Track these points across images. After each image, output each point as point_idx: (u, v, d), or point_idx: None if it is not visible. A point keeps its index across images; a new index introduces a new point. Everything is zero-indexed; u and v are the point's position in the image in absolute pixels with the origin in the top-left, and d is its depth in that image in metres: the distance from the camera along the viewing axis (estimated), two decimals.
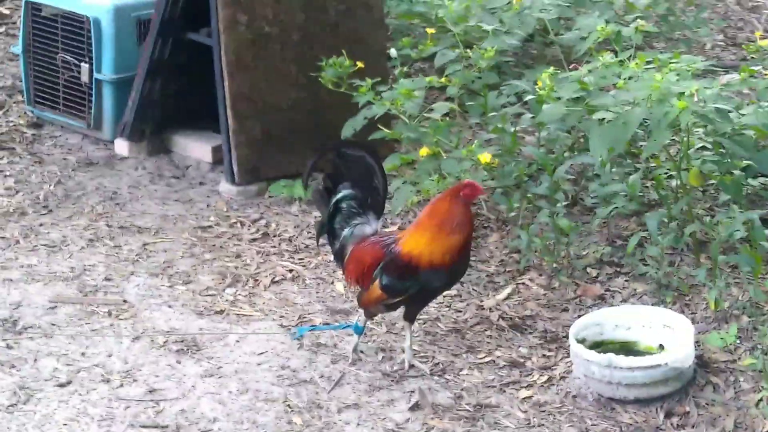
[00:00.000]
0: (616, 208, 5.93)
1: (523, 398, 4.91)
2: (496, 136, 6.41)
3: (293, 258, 5.98)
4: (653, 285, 5.66)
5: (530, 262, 5.87)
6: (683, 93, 5.20)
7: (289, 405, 4.79)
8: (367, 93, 6.06)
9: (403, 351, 5.13)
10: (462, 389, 4.95)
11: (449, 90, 6.45)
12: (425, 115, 6.22)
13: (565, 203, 6.21)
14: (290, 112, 6.74)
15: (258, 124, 6.67)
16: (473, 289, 5.76)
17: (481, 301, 5.65)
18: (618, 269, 5.90)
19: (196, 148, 7.13)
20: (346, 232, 5.14)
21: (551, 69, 5.73)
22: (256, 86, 6.63)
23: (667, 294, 5.60)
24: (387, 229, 6.05)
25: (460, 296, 5.70)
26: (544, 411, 4.83)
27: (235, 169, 6.65)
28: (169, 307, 5.51)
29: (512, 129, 6.35)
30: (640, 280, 5.75)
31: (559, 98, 5.75)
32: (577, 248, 5.94)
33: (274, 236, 6.20)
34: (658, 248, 5.67)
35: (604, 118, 5.70)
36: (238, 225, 6.32)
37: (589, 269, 5.90)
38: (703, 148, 6.04)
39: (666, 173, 6.12)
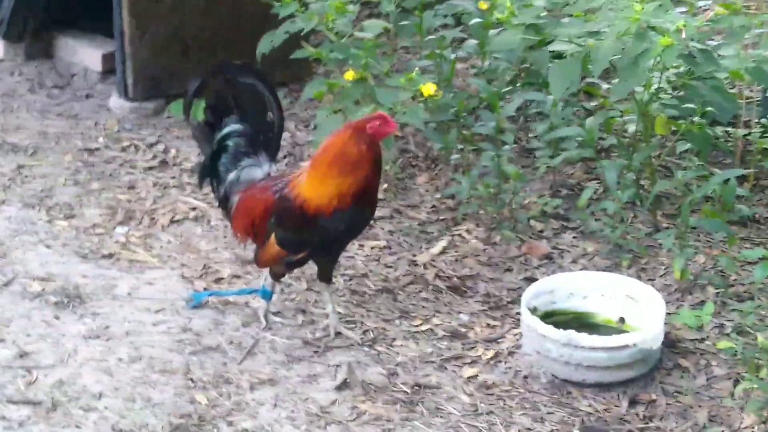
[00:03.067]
0: (565, 154, 5.19)
1: (468, 378, 4.17)
2: (432, 63, 5.62)
3: (196, 193, 5.12)
4: (606, 245, 4.96)
5: (468, 212, 5.12)
6: (668, 28, 4.45)
7: (191, 378, 3.97)
8: (291, 3, 5.17)
9: (327, 316, 4.34)
10: (396, 364, 4.19)
11: (384, 5, 5.60)
12: (356, 33, 5.36)
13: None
14: (201, 15, 5.83)
15: (160, 29, 5.76)
16: (404, 241, 4.99)
17: (414, 256, 4.88)
18: (564, 223, 5.20)
19: (84, 54, 6.20)
20: (231, 176, 4.29)
21: None
22: None
23: (623, 256, 4.90)
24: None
25: (390, 248, 4.93)
26: (491, 394, 4.10)
27: (129, 81, 5.75)
28: (47, 247, 4.62)
29: (452, 56, 5.57)
30: (590, 237, 5.05)
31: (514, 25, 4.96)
32: (519, 197, 5.20)
33: (174, 165, 5.34)
34: (615, 204, 4.95)
35: (565, 51, 4.96)
36: (132, 149, 5.43)
37: (532, 222, 5.17)
38: (660, 89, 5.31)
39: (620, 116, 5.41)
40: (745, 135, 5.46)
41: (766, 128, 5.55)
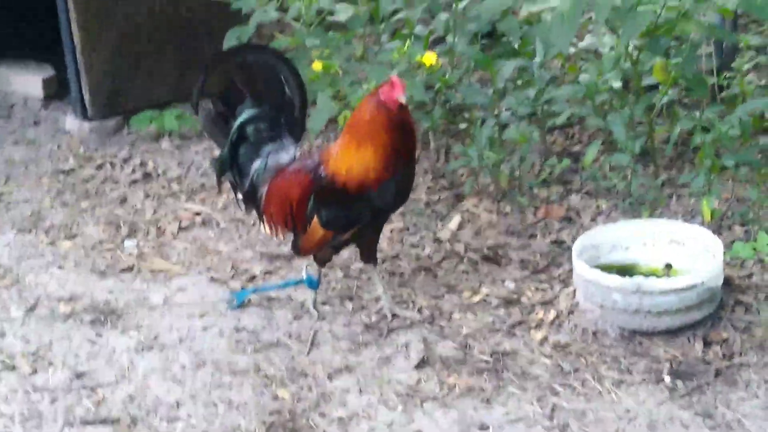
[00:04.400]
0: (567, 112, 5.06)
1: (540, 340, 3.97)
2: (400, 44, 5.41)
3: (193, 199, 4.81)
4: (617, 200, 4.83)
5: (476, 186, 4.92)
6: None
7: (265, 375, 3.67)
8: None
9: (377, 300, 4.08)
10: (464, 336, 3.96)
11: None
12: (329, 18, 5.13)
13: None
14: (148, 25, 5.51)
15: (111, 42, 5.42)
16: (418, 221, 4.77)
17: (434, 233, 4.66)
18: (567, 186, 5.04)
19: (21, 82, 5.82)
20: (257, 165, 3.98)
21: None
22: None
23: (641, 208, 4.77)
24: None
25: (408, 229, 4.71)
26: (570, 353, 3.90)
27: (87, 99, 5.39)
28: (60, 267, 4.26)
29: (426, 31, 5.37)
30: (597, 195, 4.91)
31: None
32: (527, 163, 5.02)
33: (159, 176, 5.00)
34: (627, 155, 4.82)
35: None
36: (108, 166, 5.08)
37: (535, 189, 5.00)
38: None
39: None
40: (724, 79, 5.38)
41: (739, 72, 5.50)
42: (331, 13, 5.19)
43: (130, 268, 4.28)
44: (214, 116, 4.06)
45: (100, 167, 5.07)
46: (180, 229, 4.56)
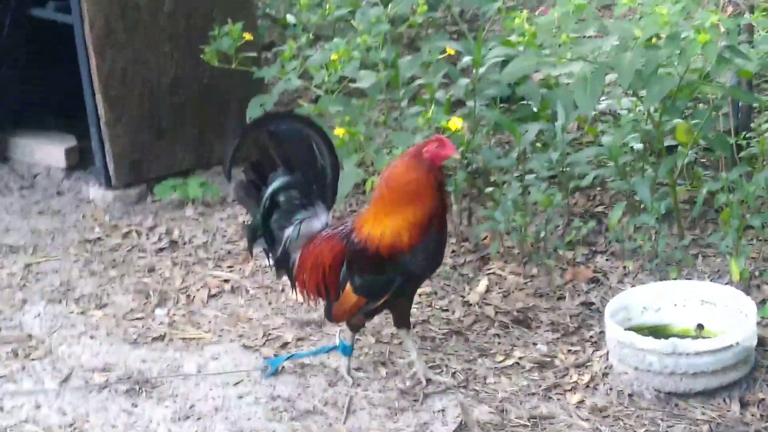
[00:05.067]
0: (593, 173, 5.07)
1: (576, 404, 3.95)
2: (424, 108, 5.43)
3: (221, 266, 4.80)
4: (643, 261, 4.83)
5: (501, 249, 4.91)
6: (702, 25, 4.38)
7: None
8: (289, 60, 4.93)
9: (411, 365, 4.07)
10: (500, 401, 3.94)
11: (374, 53, 5.39)
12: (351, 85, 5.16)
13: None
14: (170, 95, 5.53)
15: (134, 113, 5.44)
16: (446, 284, 4.76)
17: (463, 297, 4.66)
18: (592, 248, 5.04)
19: (44, 152, 5.83)
20: (289, 232, 3.98)
21: (524, 12, 4.77)
22: (130, 64, 5.38)
23: (668, 269, 4.77)
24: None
25: (436, 293, 4.70)
26: (607, 416, 3.89)
27: (112, 168, 5.39)
28: (92, 338, 4.25)
29: (445, 96, 5.39)
30: (623, 257, 4.91)
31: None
32: (551, 226, 5.03)
33: (185, 244, 5.00)
34: (652, 216, 4.82)
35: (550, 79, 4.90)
36: (134, 234, 5.08)
37: (559, 251, 5.00)
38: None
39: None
40: (743, 138, 5.39)
41: (757, 132, 5.52)
42: (353, 80, 5.23)
43: (161, 337, 4.28)
44: (246, 184, 4.06)
45: (126, 236, 5.08)
46: (209, 296, 4.56)
